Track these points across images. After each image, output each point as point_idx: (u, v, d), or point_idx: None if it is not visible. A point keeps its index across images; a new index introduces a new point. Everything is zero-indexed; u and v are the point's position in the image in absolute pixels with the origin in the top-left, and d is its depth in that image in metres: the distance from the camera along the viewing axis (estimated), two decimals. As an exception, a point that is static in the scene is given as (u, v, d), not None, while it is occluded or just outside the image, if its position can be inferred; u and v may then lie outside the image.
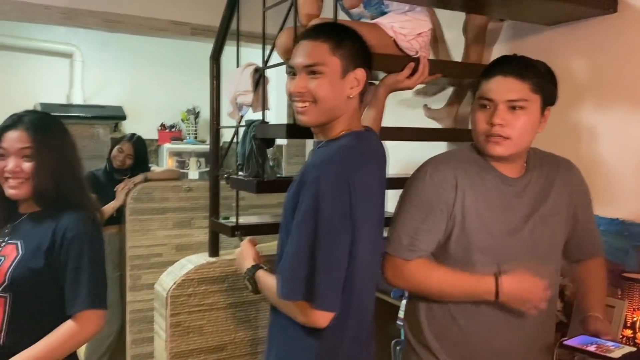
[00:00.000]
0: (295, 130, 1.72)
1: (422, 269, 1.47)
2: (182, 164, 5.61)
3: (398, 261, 1.47)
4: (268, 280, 1.42)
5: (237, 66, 2.25)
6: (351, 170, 1.30)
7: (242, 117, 2.23)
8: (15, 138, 1.55)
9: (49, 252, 1.53)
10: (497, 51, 2.29)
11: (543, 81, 1.42)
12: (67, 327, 1.51)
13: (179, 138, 5.70)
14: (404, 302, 1.92)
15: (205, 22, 3.29)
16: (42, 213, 1.60)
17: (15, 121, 1.57)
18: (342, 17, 1.92)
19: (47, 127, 1.61)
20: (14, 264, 1.52)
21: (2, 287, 1.51)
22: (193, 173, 5.50)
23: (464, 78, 2.24)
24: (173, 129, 5.73)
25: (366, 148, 1.41)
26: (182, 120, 5.80)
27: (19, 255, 1.53)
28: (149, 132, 5.03)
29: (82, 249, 1.53)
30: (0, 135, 1.56)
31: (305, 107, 1.36)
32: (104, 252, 1.61)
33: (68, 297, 1.53)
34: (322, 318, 1.29)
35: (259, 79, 2.11)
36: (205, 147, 5.56)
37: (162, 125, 5.69)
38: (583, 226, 1.58)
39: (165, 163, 5.49)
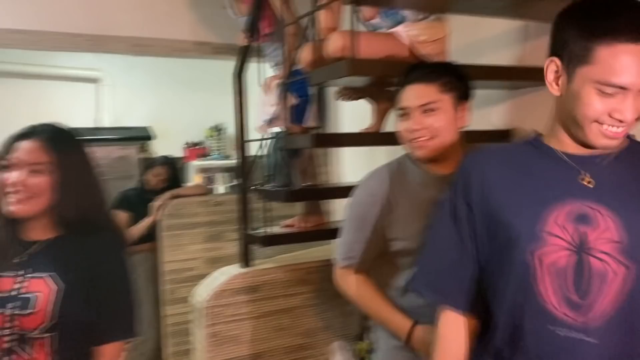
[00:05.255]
0: (321, 140, 1.78)
1: (358, 285, 1.68)
2: (210, 180, 5.69)
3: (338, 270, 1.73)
4: None
5: (259, 82, 2.32)
6: None
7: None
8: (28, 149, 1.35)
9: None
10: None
11: (451, 80, 1.51)
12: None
13: (204, 155, 5.81)
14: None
15: (227, 41, 3.36)
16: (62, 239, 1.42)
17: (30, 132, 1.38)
18: (360, 29, 1.97)
19: (67, 140, 1.43)
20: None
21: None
22: (221, 188, 5.59)
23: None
24: (198, 147, 5.85)
25: None
26: (207, 137, 5.91)
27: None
28: (175, 150, 5.12)
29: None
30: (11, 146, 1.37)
31: None
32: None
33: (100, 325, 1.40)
34: None
35: (282, 92, 2.18)
36: (231, 162, 5.63)
37: (188, 143, 5.81)
38: None
39: (193, 180, 5.57)
